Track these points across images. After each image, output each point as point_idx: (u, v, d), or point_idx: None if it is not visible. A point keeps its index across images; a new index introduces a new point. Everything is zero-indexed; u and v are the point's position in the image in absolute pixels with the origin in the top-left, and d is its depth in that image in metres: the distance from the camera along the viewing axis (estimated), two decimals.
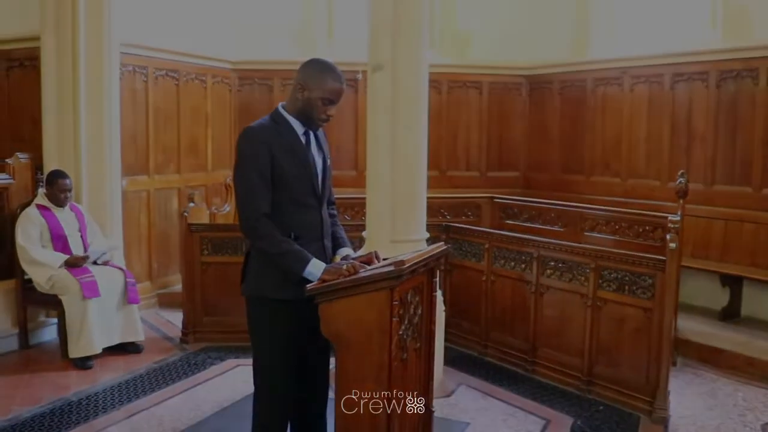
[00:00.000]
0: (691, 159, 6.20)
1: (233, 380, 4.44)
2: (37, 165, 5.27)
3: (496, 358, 4.86)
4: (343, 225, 2.93)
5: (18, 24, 5.60)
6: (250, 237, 2.59)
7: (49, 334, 5.18)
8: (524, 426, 3.84)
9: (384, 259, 2.63)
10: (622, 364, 4.12)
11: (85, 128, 5.24)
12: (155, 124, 6.39)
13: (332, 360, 2.51)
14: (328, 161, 2.75)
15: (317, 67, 2.61)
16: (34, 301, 4.93)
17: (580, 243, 4.84)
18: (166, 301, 6.22)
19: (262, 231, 2.52)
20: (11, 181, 5.10)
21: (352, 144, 7.36)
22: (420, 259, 2.46)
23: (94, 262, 4.89)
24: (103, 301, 4.71)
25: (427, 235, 4.27)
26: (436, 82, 7.13)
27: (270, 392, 2.67)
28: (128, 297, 4.90)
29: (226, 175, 6.47)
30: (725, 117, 5.98)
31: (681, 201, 4.78)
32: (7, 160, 5.17)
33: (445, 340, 4.49)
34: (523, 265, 4.65)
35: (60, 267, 4.69)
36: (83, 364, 4.59)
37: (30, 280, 4.85)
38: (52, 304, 4.76)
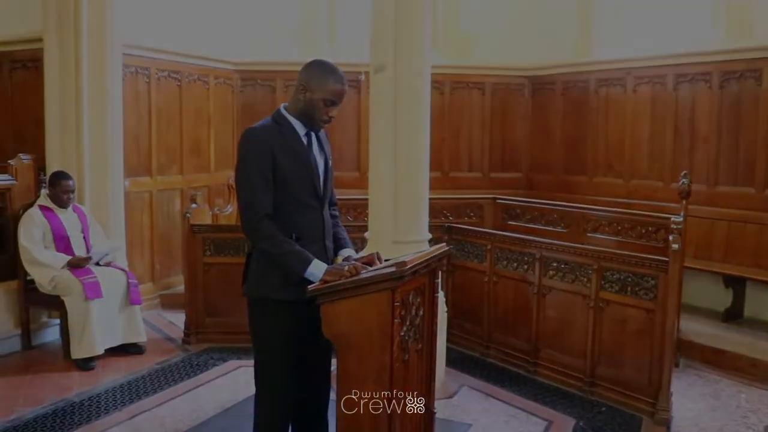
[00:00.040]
0: (694, 160, 6.19)
1: (235, 381, 4.44)
2: (39, 166, 5.27)
3: (498, 359, 4.85)
4: (345, 226, 2.93)
5: (20, 25, 5.61)
6: (252, 238, 2.59)
7: (51, 335, 5.18)
8: (526, 427, 3.83)
9: (386, 260, 2.63)
10: (625, 366, 4.11)
11: (88, 129, 5.24)
12: (158, 125, 6.40)
13: (333, 361, 2.51)
14: (330, 162, 2.75)
15: (319, 69, 2.61)
16: (36, 301, 4.93)
17: (582, 244, 4.82)
18: (168, 302, 6.22)
19: (264, 232, 2.52)
20: (14, 182, 5.11)
21: (355, 145, 7.37)
22: (422, 260, 2.46)
23: (97, 263, 4.89)
24: (106, 302, 4.71)
25: (430, 236, 4.27)
26: (438, 83, 7.12)
27: (271, 392, 2.67)
28: (131, 298, 4.90)
29: (229, 176, 6.46)
30: (728, 118, 5.97)
31: (684, 202, 4.79)
32: (9, 161, 5.18)
33: (447, 341, 4.48)
34: (525, 266, 4.64)
35: (63, 268, 4.69)
36: (85, 365, 4.59)
37: (32, 281, 4.85)
38: (55, 305, 4.76)
